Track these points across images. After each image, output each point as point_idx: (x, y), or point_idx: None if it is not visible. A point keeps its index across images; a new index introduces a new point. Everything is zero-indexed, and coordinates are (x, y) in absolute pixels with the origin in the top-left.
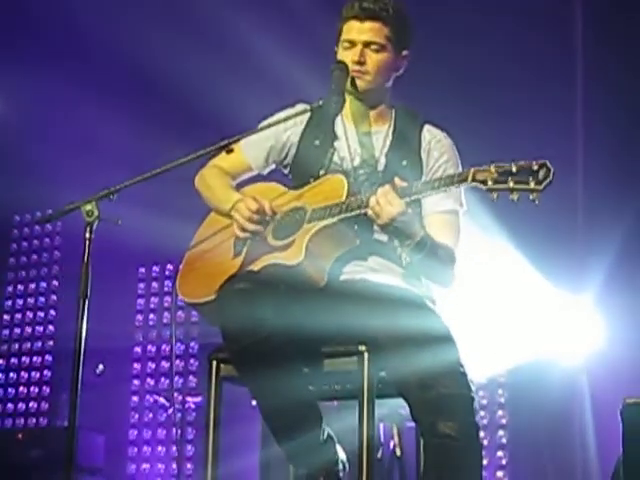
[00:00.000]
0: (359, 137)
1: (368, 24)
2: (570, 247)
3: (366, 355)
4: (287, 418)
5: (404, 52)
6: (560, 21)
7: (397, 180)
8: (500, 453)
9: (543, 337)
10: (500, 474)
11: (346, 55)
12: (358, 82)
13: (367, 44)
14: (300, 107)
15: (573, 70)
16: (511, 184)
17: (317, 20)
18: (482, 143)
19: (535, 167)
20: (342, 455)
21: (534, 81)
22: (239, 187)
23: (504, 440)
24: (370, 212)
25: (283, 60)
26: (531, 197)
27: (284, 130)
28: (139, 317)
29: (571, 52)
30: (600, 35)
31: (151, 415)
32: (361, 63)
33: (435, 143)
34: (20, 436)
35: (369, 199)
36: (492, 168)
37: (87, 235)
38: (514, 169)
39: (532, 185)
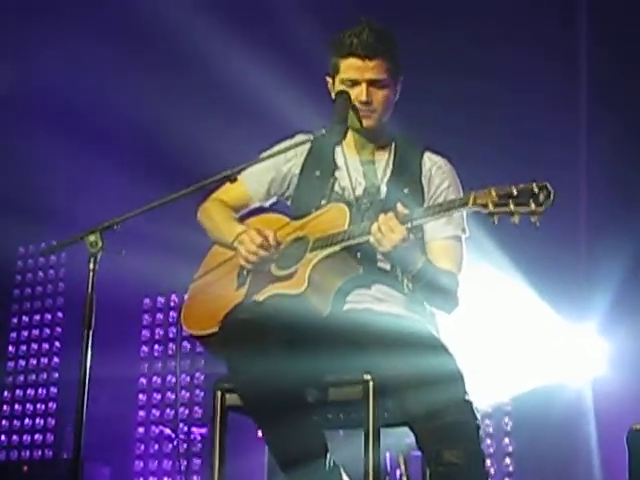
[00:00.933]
0: (362, 165)
1: (370, 62)
2: (574, 274)
3: (371, 384)
4: (292, 448)
5: (400, 79)
6: (562, 39)
7: (399, 206)
8: None
9: (548, 365)
10: None
11: (351, 91)
12: (366, 121)
13: (371, 82)
14: (300, 138)
15: (576, 91)
16: (512, 207)
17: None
18: (483, 167)
19: (536, 189)
20: None
21: (536, 104)
22: (242, 219)
23: (510, 468)
24: (372, 239)
25: (275, 94)
26: (532, 219)
27: (285, 162)
28: (144, 348)
29: (574, 70)
30: (604, 50)
31: (157, 446)
32: (368, 103)
33: (436, 170)
34: (25, 469)
35: (371, 226)
36: (492, 191)
37: (91, 266)
38: (514, 192)
39: (533, 207)
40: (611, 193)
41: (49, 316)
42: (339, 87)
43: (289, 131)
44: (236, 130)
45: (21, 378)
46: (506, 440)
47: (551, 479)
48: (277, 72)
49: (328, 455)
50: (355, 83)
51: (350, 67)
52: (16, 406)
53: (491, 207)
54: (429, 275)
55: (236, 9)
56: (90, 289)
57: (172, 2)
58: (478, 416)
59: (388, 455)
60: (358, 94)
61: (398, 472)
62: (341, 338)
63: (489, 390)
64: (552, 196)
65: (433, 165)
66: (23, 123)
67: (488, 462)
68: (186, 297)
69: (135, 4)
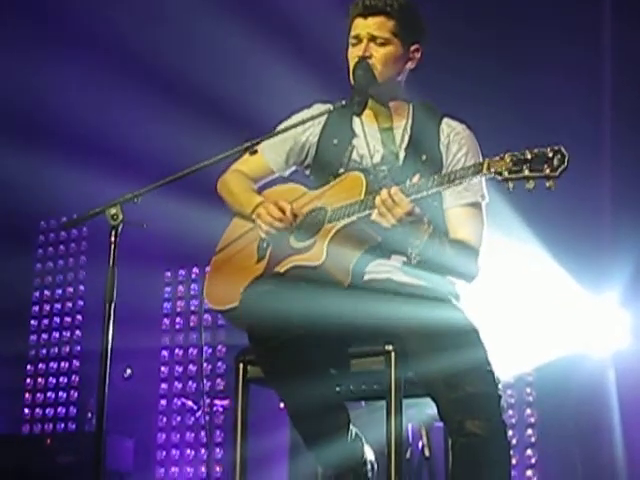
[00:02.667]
0: (379, 133)
1: (372, 19)
2: (596, 244)
3: (393, 355)
4: (314, 419)
5: (414, 46)
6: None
7: (416, 177)
8: (529, 452)
9: (569, 335)
10: (529, 473)
11: (353, 52)
12: None
13: (372, 38)
14: (318, 107)
15: (600, 52)
16: (526, 172)
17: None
18: (503, 132)
19: (550, 153)
20: (370, 455)
21: (559, 64)
22: (261, 190)
23: (533, 439)
24: (374, 214)
25: (295, 62)
26: (547, 184)
27: (303, 131)
28: (166, 321)
29: (596, 37)
30: (629, 20)
31: (179, 418)
32: (366, 57)
33: (454, 136)
34: (49, 441)
35: (374, 200)
36: (506, 157)
37: (112, 239)
38: (528, 157)
39: (547, 172)
40: (636, 161)
41: (71, 289)
42: (349, 50)
43: (308, 101)
44: (258, 97)
45: (44, 351)
46: (528, 411)
47: (573, 450)
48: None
49: (350, 426)
50: (359, 40)
51: (355, 26)
52: (39, 379)
53: (505, 174)
54: (436, 246)
55: None
56: (111, 262)
57: None
58: (500, 386)
59: (410, 426)
60: (358, 50)
61: (420, 443)
62: (362, 309)
63: (511, 360)
64: (567, 160)
65: (451, 131)
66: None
67: (510, 433)
68: (208, 271)
69: None
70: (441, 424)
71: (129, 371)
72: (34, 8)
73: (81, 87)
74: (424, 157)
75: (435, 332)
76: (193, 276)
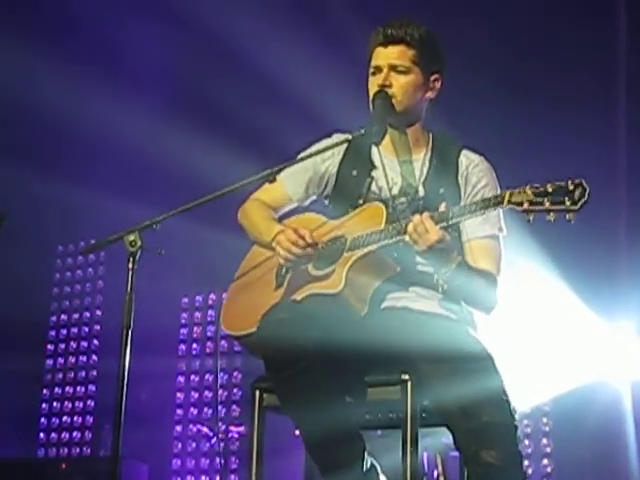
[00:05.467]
0: (399, 166)
1: (392, 48)
2: (613, 273)
3: (409, 384)
4: (330, 447)
5: (434, 76)
6: (601, 24)
7: (442, 206)
8: None
9: (586, 365)
10: None
11: (373, 81)
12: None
13: (392, 67)
14: (337, 137)
15: (614, 82)
16: (547, 205)
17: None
18: (519, 164)
19: (571, 187)
20: None
21: (573, 101)
22: (281, 219)
23: (549, 469)
24: (407, 239)
25: (318, 92)
26: (567, 217)
27: (322, 161)
28: (182, 347)
29: (612, 59)
30: None
31: (194, 445)
32: (386, 86)
33: (472, 168)
34: (64, 466)
35: (406, 226)
36: (528, 190)
37: (130, 265)
38: (550, 189)
39: (568, 205)
40: None
41: (88, 314)
42: (369, 80)
43: (327, 130)
44: (283, 123)
45: (60, 376)
46: (544, 441)
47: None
48: (319, 70)
49: (365, 455)
50: (379, 70)
51: (376, 56)
52: (54, 404)
53: (526, 205)
54: (463, 276)
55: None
56: (129, 288)
57: None
58: (516, 416)
59: (425, 455)
60: (378, 79)
61: (435, 472)
62: (379, 338)
63: (527, 390)
64: (587, 194)
65: (470, 164)
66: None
67: (526, 463)
68: (225, 297)
69: None
70: (457, 453)
71: (144, 396)
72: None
73: (100, 110)
74: (442, 190)
75: (451, 362)
76: (210, 302)
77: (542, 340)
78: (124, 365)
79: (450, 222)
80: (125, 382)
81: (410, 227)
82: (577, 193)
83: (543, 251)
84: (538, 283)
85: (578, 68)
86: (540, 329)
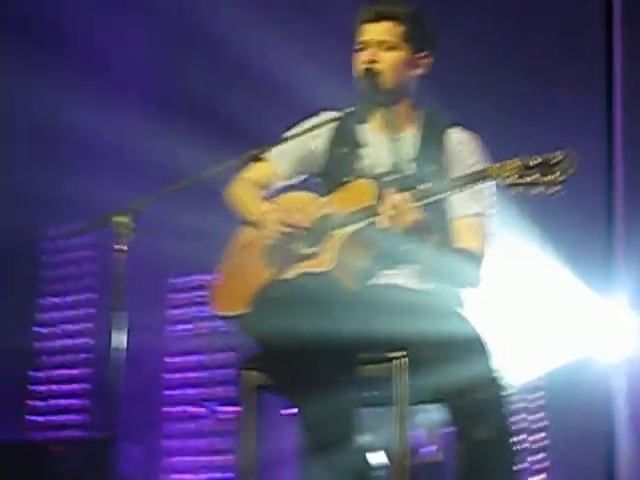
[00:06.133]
0: (388, 143)
1: (379, 24)
2: (606, 246)
3: (401, 361)
4: (324, 426)
5: (423, 52)
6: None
7: (424, 185)
8: (538, 456)
9: (578, 339)
10: (540, 477)
11: (360, 57)
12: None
13: (380, 44)
14: (325, 115)
15: (610, 57)
16: (535, 177)
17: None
18: (512, 141)
19: (558, 158)
20: (380, 461)
21: (568, 69)
22: (269, 198)
23: (542, 443)
24: (383, 221)
25: (301, 71)
26: (556, 188)
27: (311, 139)
28: (174, 328)
29: (608, 34)
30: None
31: (188, 425)
32: (373, 62)
33: (463, 146)
34: (58, 448)
35: (382, 207)
36: (513, 163)
37: (119, 247)
38: (537, 161)
39: (557, 175)
40: None
41: (81, 297)
42: (355, 57)
43: (316, 108)
44: (259, 108)
45: (54, 359)
46: (539, 415)
47: (585, 454)
48: (302, 46)
49: (360, 432)
50: (366, 46)
51: (362, 32)
52: (51, 386)
53: (512, 179)
54: (442, 256)
55: None
56: (119, 270)
57: None
58: (507, 392)
59: (421, 431)
60: (365, 56)
61: (428, 449)
62: (370, 314)
63: (521, 365)
64: (575, 164)
65: (461, 141)
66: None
67: (520, 437)
68: (215, 278)
69: None
70: (450, 429)
71: (136, 378)
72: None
73: (83, 99)
74: (433, 167)
75: (443, 342)
76: (200, 283)
77: (534, 315)
78: (115, 347)
79: (433, 198)
80: (116, 364)
81: (385, 206)
82: (565, 164)
83: (534, 224)
84: (530, 257)
85: (575, 43)
86: (532, 303)
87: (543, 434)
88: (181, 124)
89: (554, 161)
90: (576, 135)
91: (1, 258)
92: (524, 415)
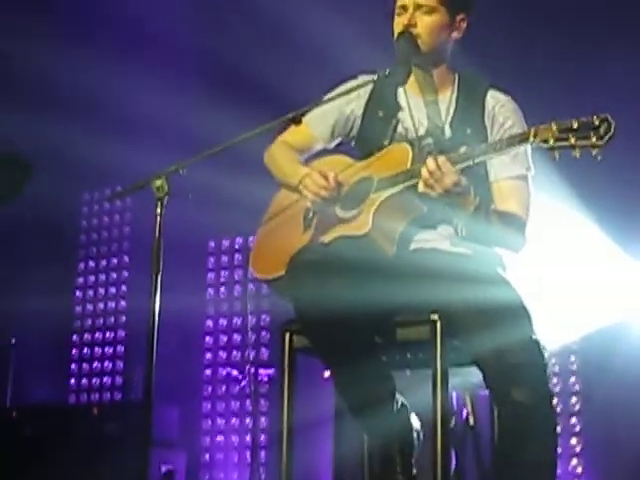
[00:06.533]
0: (425, 106)
1: None
2: None
3: (439, 324)
4: (360, 388)
5: (460, 15)
6: None
7: (463, 148)
8: (573, 420)
9: (614, 304)
10: (574, 441)
11: (398, 21)
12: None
13: (418, 7)
14: (363, 78)
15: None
16: (572, 141)
17: None
18: (549, 104)
19: (596, 122)
20: (416, 424)
21: (599, 34)
22: (307, 161)
23: (577, 407)
24: (421, 185)
25: (341, 35)
26: (593, 153)
27: (347, 103)
28: (210, 291)
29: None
30: None
31: (224, 388)
32: (411, 25)
33: (499, 108)
34: (95, 411)
35: (421, 169)
36: (553, 126)
37: (158, 210)
38: (575, 125)
39: (594, 140)
40: None
41: (115, 260)
42: (395, 20)
43: (352, 72)
44: (299, 71)
45: (89, 322)
46: (572, 379)
47: (618, 418)
48: (341, 11)
49: (396, 395)
50: (404, 10)
51: None
52: (85, 350)
53: (552, 142)
54: (483, 219)
55: None
56: (157, 233)
57: None
58: (546, 355)
59: (455, 395)
60: (404, 19)
61: (465, 412)
62: (408, 278)
63: (555, 329)
64: (613, 129)
65: (497, 103)
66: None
67: (554, 401)
68: (253, 241)
69: None
70: (486, 392)
71: (174, 340)
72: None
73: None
74: (469, 130)
75: (482, 304)
76: (236, 246)
77: (570, 278)
78: (154, 311)
79: (475, 161)
80: (155, 327)
81: (424, 171)
82: (603, 128)
83: (571, 189)
84: (566, 221)
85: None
86: (568, 267)
87: (575, 399)
88: (218, 91)
89: (592, 125)
90: (612, 100)
91: (42, 223)
92: (556, 379)
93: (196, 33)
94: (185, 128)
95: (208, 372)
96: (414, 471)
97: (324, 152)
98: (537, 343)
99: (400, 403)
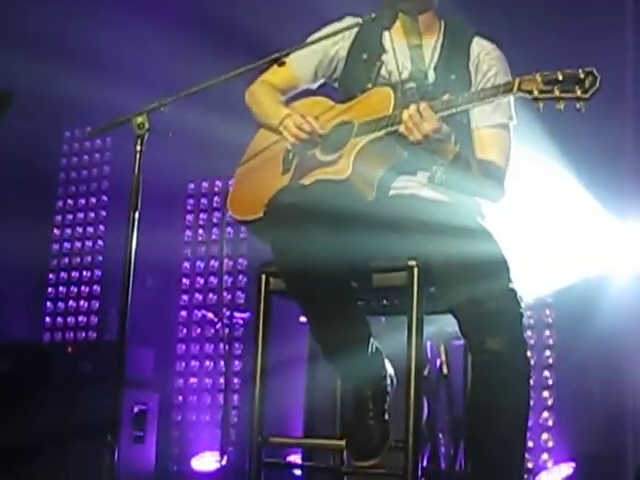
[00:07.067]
0: (409, 50)
1: None
2: (624, 169)
3: (416, 270)
4: (336, 332)
5: None
6: None
7: (445, 96)
8: (546, 373)
9: (592, 260)
10: (546, 394)
11: None
12: None
13: None
14: (348, 20)
15: None
16: (557, 93)
17: None
18: (533, 54)
19: (582, 75)
20: (390, 370)
21: None
22: (289, 102)
23: (550, 360)
24: (402, 128)
25: None
26: (577, 106)
27: (332, 44)
28: (188, 233)
29: None
30: None
31: (199, 330)
32: None
33: (484, 55)
34: (70, 349)
35: (401, 114)
36: (538, 77)
37: (138, 148)
38: (560, 77)
39: (578, 93)
40: None
41: (94, 199)
42: None
43: (337, 14)
44: (284, 16)
45: (65, 260)
46: (547, 332)
47: (592, 373)
48: None
49: (371, 340)
50: None
51: None
52: (60, 288)
53: (536, 93)
54: (462, 167)
55: None
56: (137, 170)
57: None
58: (523, 305)
59: (429, 344)
60: None
61: (438, 361)
62: (386, 224)
63: (531, 281)
64: (598, 82)
65: (482, 51)
66: None
67: (528, 353)
68: (232, 182)
69: None
70: (460, 342)
71: (150, 281)
72: None
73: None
74: (453, 76)
75: (459, 249)
76: (216, 189)
77: (549, 232)
78: (131, 248)
79: (458, 109)
80: (132, 265)
81: (405, 115)
82: (588, 81)
83: (553, 141)
84: (547, 175)
85: None
86: (547, 221)
87: (549, 352)
88: (201, 35)
89: (578, 78)
90: (595, 55)
91: (21, 160)
92: (530, 332)
93: None
94: (168, 71)
95: (184, 314)
96: (386, 417)
97: (306, 93)
98: (514, 292)
99: (375, 348)
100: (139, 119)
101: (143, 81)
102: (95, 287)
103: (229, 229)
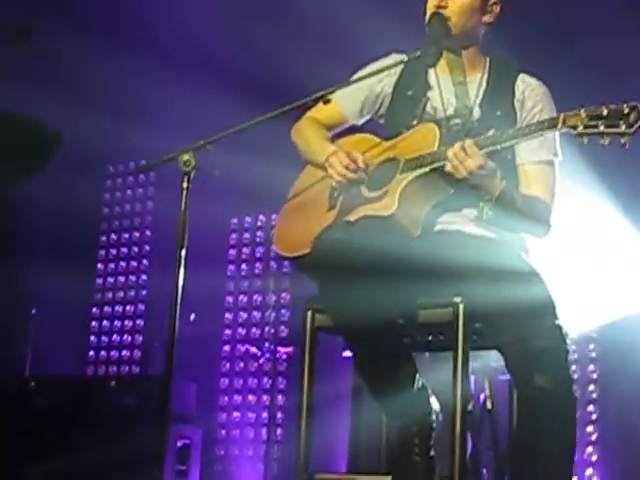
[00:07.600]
0: (454, 87)
1: None
2: None
3: (461, 307)
4: (381, 368)
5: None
6: None
7: (490, 132)
8: (590, 408)
9: (636, 295)
10: (590, 429)
11: (430, 3)
12: None
13: None
14: (394, 57)
15: None
16: (601, 128)
17: None
18: (579, 90)
19: (626, 110)
20: (436, 406)
21: (628, 23)
22: (334, 139)
23: (594, 395)
24: (448, 166)
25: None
26: (622, 141)
27: (378, 81)
28: (231, 267)
29: None
30: None
31: (242, 364)
32: (442, 7)
33: (529, 92)
34: (113, 383)
35: (447, 152)
36: (582, 112)
37: (184, 185)
38: (605, 112)
39: (623, 128)
40: None
41: (138, 234)
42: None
43: (383, 51)
44: (328, 52)
45: (110, 295)
46: (591, 367)
47: (636, 407)
48: None
49: (417, 376)
50: None
51: None
52: (104, 322)
53: (581, 128)
54: (508, 203)
55: None
56: (183, 208)
57: None
58: (568, 341)
59: (473, 378)
60: (435, 0)
61: (482, 396)
62: (432, 260)
63: (575, 316)
64: None
65: (527, 87)
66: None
67: (575, 389)
68: (277, 218)
69: None
70: (505, 377)
71: (193, 316)
72: None
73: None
74: (498, 112)
75: (505, 285)
76: (259, 224)
77: (593, 266)
78: (178, 285)
79: (502, 145)
80: (178, 301)
81: (450, 153)
82: (632, 116)
83: (597, 177)
84: (591, 209)
85: None
86: (592, 255)
87: (593, 387)
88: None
89: (622, 113)
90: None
91: (65, 194)
92: (574, 366)
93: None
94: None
95: (226, 348)
96: (432, 453)
97: (350, 130)
98: (560, 329)
99: (421, 384)
100: (185, 157)
101: (188, 119)
102: (138, 321)
103: (272, 263)
